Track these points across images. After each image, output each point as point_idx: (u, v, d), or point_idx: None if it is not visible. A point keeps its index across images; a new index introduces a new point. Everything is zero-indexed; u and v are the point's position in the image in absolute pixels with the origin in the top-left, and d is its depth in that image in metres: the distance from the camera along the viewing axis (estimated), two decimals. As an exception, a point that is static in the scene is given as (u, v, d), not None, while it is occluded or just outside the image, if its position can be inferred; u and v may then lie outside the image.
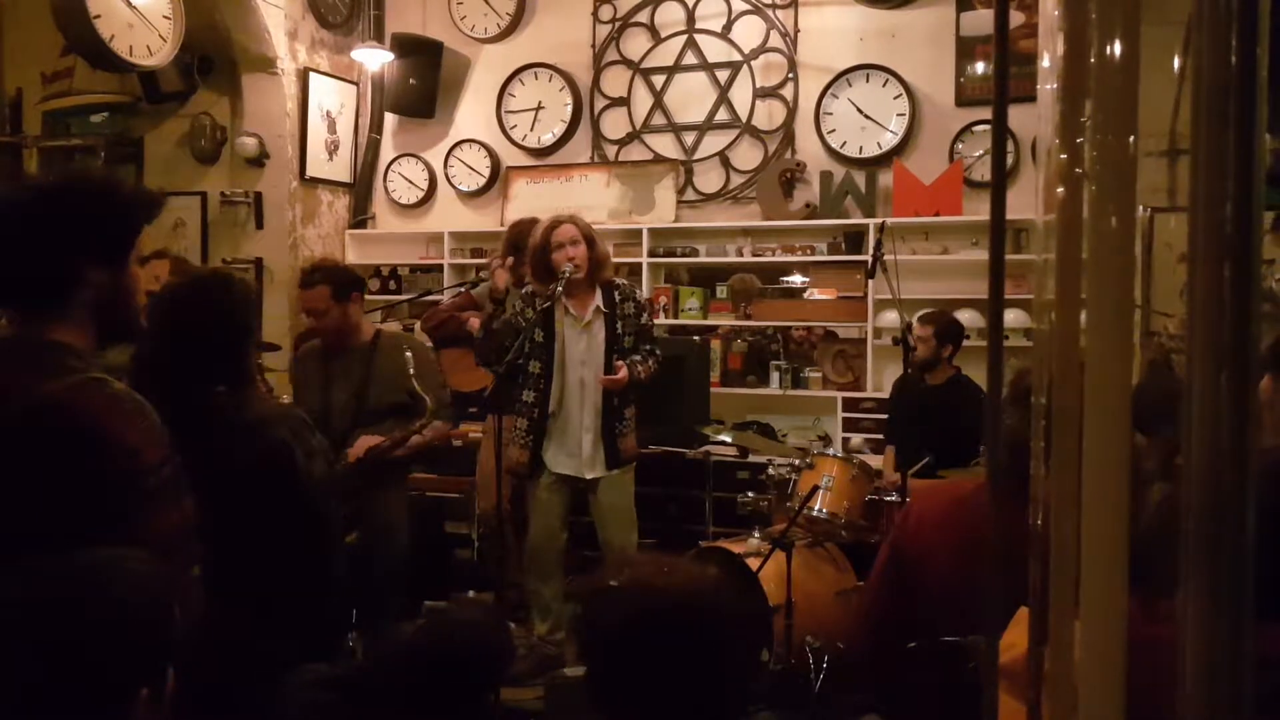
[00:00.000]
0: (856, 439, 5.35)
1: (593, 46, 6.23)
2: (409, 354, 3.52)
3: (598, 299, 4.01)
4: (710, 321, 5.88)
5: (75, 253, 1.56)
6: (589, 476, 4.02)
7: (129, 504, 1.48)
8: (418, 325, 5.16)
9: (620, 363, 3.95)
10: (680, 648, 1.39)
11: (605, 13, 6.20)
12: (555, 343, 4.02)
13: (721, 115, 5.98)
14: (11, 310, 1.59)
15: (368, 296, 4.95)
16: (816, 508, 3.94)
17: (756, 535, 4.02)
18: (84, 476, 1.45)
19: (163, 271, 3.58)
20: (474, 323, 4.69)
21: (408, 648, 1.82)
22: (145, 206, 1.69)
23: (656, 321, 5.06)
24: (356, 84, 6.60)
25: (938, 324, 4.52)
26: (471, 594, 4.57)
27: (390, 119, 6.65)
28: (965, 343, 5.17)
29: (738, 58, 5.93)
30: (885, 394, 5.35)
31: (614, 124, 6.21)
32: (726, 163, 5.98)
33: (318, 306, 3.61)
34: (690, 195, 6.04)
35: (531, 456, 4.04)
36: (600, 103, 6.23)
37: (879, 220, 5.17)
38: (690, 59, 6.04)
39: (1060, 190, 0.72)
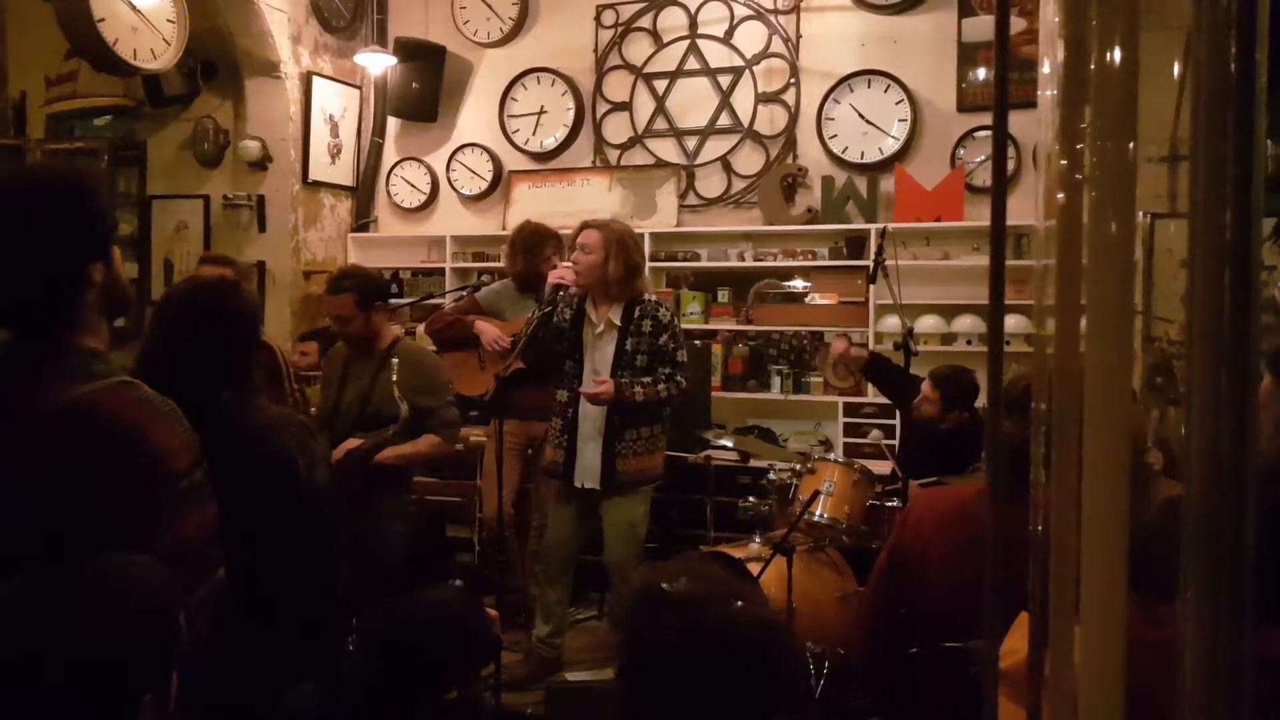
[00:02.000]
0: (875, 432, 5.26)
1: (595, 51, 6.24)
2: (395, 361, 3.59)
3: (614, 311, 3.98)
4: (711, 326, 5.88)
5: (81, 259, 1.54)
6: (587, 486, 4.00)
7: (160, 507, 1.48)
8: (420, 329, 5.17)
9: (603, 379, 3.90)
10: (726, 678, 1.37)
11: (608, 18, 6.21)
12: (581, 346, 4.01)
13: (723, 120, 5.99)
14: (22, 323, 1.57)
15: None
16: (818, 513, 3.94)
17: (757, 540, 4.02)
18: (117, 479, 1.45)
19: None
20: (477, 323, 4.71)
21: (378, 642, 1.82)
22: (103, 185, 1.69)
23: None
24: (359, 88, 6.62)
25: (945, 389, 4.20)
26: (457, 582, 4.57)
27: (393, 123, 6.66)
28: (968, 347, 5.19)
29: (740, 63, 5.94)
30: (887, 399, 5.33)
31: (616, 128, 6.22)
32: (728, 167, 5.99)
33: (342, 313, 3.67)
34: (692, 200, 6.04)
35: (566, 456, 4.02)
36: (602, 107, 6.24)
37: (880, 225, 5.18)
38: (692, 64, 6.05)
39: (1060, 196, 0.72)
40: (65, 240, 1.54)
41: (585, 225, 3.99)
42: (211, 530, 1.57)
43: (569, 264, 4.00)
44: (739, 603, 1.40)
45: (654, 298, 4.15)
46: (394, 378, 3.58)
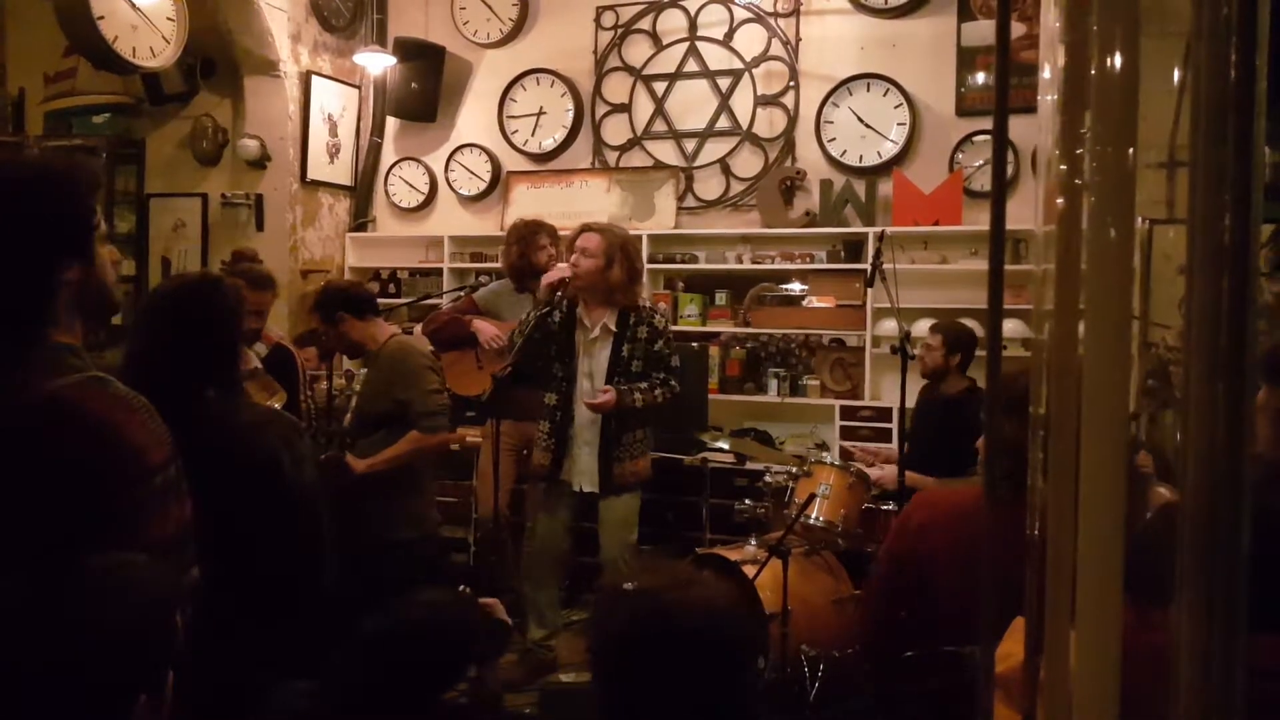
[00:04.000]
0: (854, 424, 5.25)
1: (594, 53, 6.25)
2: (364, 370, 3.72)
3: (609, 317, 3.98)
4: (709, 328, 5.88)
5: (51, 257, 1.52)
6: (586, 490, 4.01)
7: (135, 503, 1.46)
8: (417, 329, 5.17)
9: (607, 387, 3.91)
10: (685, 663, 1.37)
11: (607, 19, 6.22)
12: (573, 352, 4.01)
13: (722, 122, 5.99)
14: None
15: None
16: (813, 516, 3.94)
17: (753, 543, 4.02)
18: (92, 474, 1.44)
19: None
20: (474, 322, 4.72)
21: (371, 643, 1.81)
22: (94, 183, 1.65)
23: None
24: (358, 87, 6.61)
25: (946, 333, 4.41)
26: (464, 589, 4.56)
27: (391, 123, 6.66)
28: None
29: (739, 65, 5.94)
30: (883, 403, 5.35)
31: (615, 130, 6.22)
32: (727, 170, 5.99)
33: (319, 331, 3.87)
34: (690, 202, 6.04)
35: (553, 460, 4.03)
36: (601, 109, 6.24)
37: (878, 229, 5.18)
38: (692, 66, 6.05)
39: (1059, 201, 0.72)
40: (32, 237, 1.51)
41: (586, 228, 3.99)
42: (188, 528, 1.55)
43: (565, 265, 4.00)
44: (697, 591, 1.41)
45: (648, 303, 4.16)
46: (356, 387, 3.66)
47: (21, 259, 1.51)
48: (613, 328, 3.96)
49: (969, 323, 5.25)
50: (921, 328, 5.27)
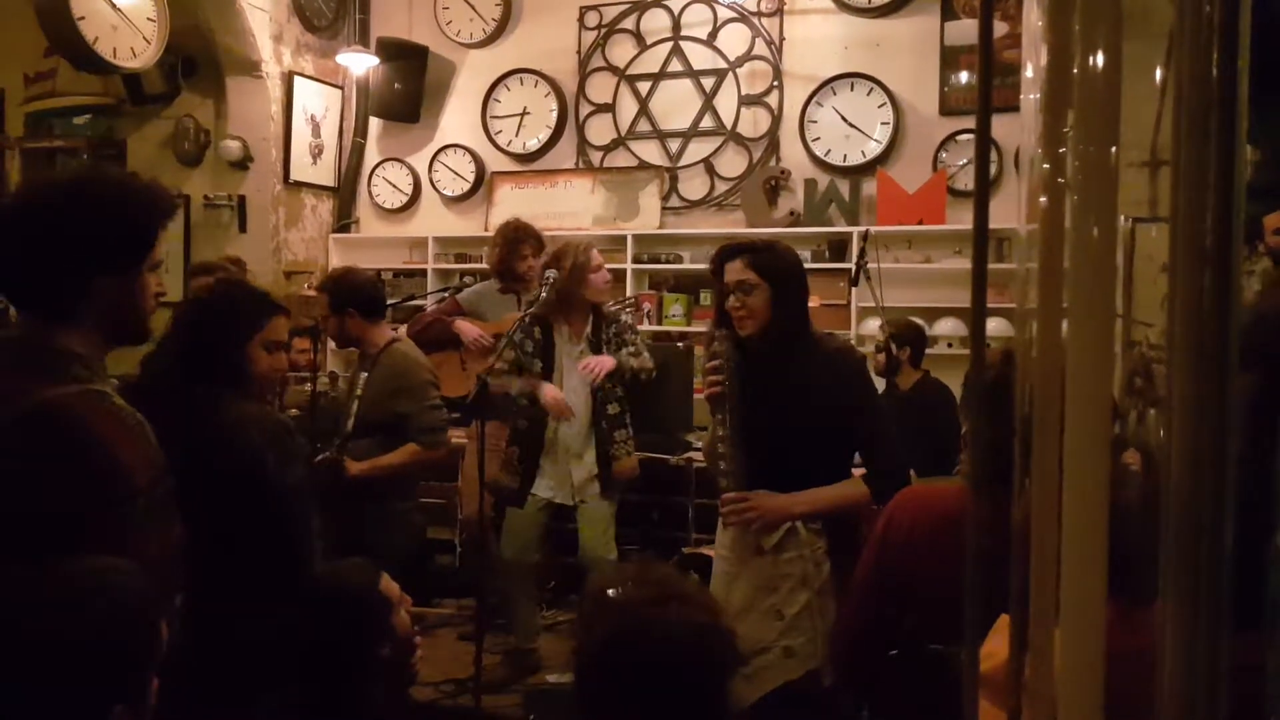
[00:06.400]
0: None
1: (578, 53, 6.24)
2: (363, 374, 3.68)
3: (589, 326, 4.00)
4: (694, 328, 5.88)
5: (86, 262, 1.54)
6: (575, 501, 4.00)
7: (115, 523, 1.45)
8: (401, 330, 5.15)
9: (604, 357, 3.92)
10: (662, 684, 1.37)
11: (591, 19, 6.21)
12: (554, 369, 4.00)
13: (706, 122, 5.99)
14: (21, 311, 1.58)
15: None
16: (799, 515, 3.93)
17: (739, 542, 4.01)
18: (73, 487, 1.42)
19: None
20: (457, 322, 4.70)
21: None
22: (161, 212, 1.66)
23: (640, 328, 5.07)
24: (341, 88, 6.59)
25: (893, 327, 4.54)
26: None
27: (375, 123, 6.63)
28: (948, 350, 5.21)
29: (723, 65, 5.95)
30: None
31: (599, 130, 6.22)
32: (711, 170, 5.99)
33: (321, 312, 3.77)
34: (675, 202, 6.04)
35: (521, 484, 4.01)
36: (585, 109, 6.23)
37: (863, 228, 5.19)
38: (676, 66, 6.06)
39: (1042, 200, 0.72)
40: (67, 246, 1.53)
41: (589, 246, 3.96)
42: (172, 552, 1.54)
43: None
44: (677, 608, 1.40)
45: (610, 308, 4.22)
46: (357, 391, 3.62)
47: (57, 252, 1.53)
48: (590, 335, 3.99)
49: (952, 323, 5.29)
50: (906, 327, 5.29)
